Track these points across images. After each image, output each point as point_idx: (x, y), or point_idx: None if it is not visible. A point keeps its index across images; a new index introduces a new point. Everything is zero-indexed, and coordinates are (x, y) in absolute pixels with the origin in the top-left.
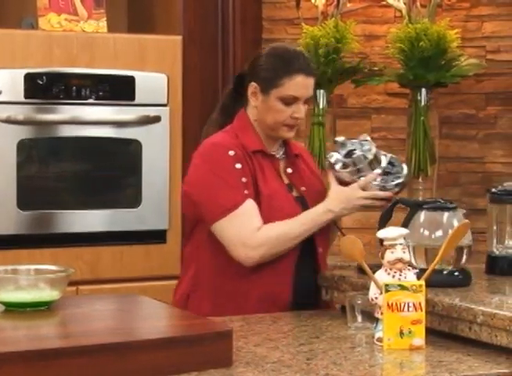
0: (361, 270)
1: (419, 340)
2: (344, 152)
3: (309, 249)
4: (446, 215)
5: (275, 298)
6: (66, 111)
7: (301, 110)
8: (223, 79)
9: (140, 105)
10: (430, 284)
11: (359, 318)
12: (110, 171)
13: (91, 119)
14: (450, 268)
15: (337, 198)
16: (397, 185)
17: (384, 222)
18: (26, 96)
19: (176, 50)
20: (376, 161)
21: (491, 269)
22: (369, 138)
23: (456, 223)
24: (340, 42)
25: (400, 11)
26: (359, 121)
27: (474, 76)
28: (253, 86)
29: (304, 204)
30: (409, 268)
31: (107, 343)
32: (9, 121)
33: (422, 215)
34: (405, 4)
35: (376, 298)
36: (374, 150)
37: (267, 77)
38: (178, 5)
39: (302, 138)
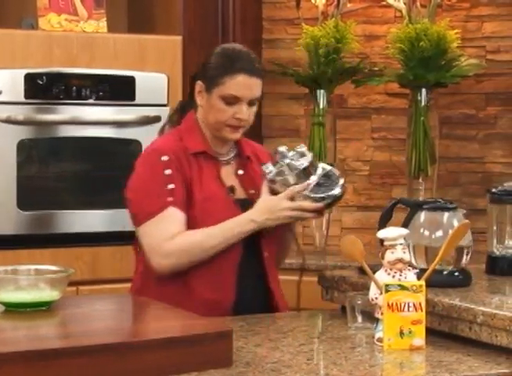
0: (361, 270)
1: (419, 340)
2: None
3: (254, 253)
4: (446, 215)
5: (218, 303)
6: (66, 111)
7: (242, 111)
8: None
9: (140, 105)
10: (430, 284)
11: (359, 318)
12: (110, 171)
13: (91, 119)
14: (450, 268)
15: (262, 208)
16: (324, 197)
17: (384, 222)
18: (26, 96)
19: (176, 50)
20: (311, 172)
21: (491, 269)
22: (305, 148)
23: (456, 223)
24: (341, 42)
25: (400, 11)
26: (359, 121)
27: (474, 76)
28: (199, 85)
29: (247, 207)
30: (410, 268)
31: (107, 343)
32: (9, 121)
33: (422, 215)
34: (405, 4)
35: (376, 298)
36: (306, 162)
37: (211, 76)
38: (178, 5)
39: (302, 138)
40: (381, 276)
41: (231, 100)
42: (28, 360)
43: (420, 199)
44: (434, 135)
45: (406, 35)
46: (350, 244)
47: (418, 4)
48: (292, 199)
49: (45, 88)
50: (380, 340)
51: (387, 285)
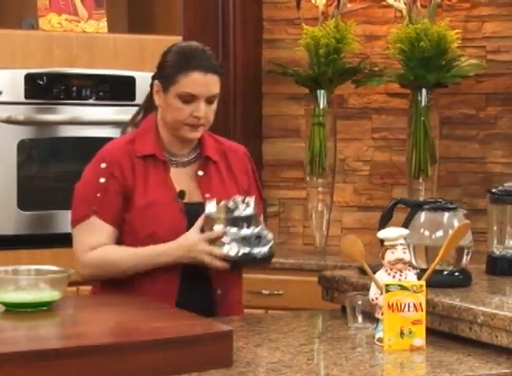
0: (361, 270)
1: (419, 340)
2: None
3: None
4: (447, 215)
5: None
6: (67, 111)
7: (200, 109)
8: (224, 80)
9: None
10: (430, 285)
11: (360, 318)
12: None
13: (91, 119)
14: (450, 268)
15: (180, 244)
16: (242, 254)
17: (384, 223)
18: (26, 97)
19: None
20: (243, 225)
21: (491, 270)
22: (253, 202)
23: (456, 223)
24: (341, 42)
25: (400, 11)
26: (360, 121)
27: (474, 76)
28: (156, 85)
29: (197, 212)
30: (410, 268)
31: (108, 343)
32: (9, 121)
33: (422, 216)
34: (405, 4)
35: (376, 298)
36: (244, 213)
37: (167, 75)
38: (178, 5)
39: (302, 138)
40: (381, 277)
41: (187, 98)
42: (28, 360)
43: (421, 199)
44: (435, 135)
45: (406, 35)
46: (350, 244)
47: (418, 4)
48: (212, 243)
49: (45, 89)
50: (380, 340)
51: (387, 285)
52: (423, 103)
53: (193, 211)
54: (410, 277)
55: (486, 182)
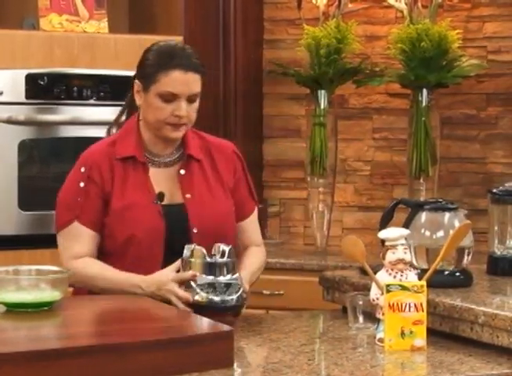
0: (362, 271)
1: (420, 340)
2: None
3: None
4: (447, 215)
5: None
6: (67, 112)
7: (181, 108)
8: (224, 80)
9: None
10: (431, 285)
11: (361, 318)
12: None
13: (92, 119)
14: (451, 268)
15: (153, 280)
16: (207, 301)
17: (385, 223)
18: (27, 97)
19: None
20: (215, 272)
21: (492, 270)
22: (228, 250)
23: (457, 224)
24: (342, 43)
25: (401, 11)
26: (360, 121)
27: (475, 76)
28: (136, 84)
29: (177, 213)
30: (411, 268)
31: (108, 344)
32: (10, 121)
33: (423, 216)
34: (406, 4)
35: (377, 298)
36: (218, 260)
37: (147, 74)
38: (179, 5)
39: (303, 138)
40: (382, 277)
41: (168, 97)
42: (29, 360)
43: (421, 199)
44: (435, 135)
45: (407, 35)
46: (351, 244)
47: (419, 4)
48: (182, 284)
49: (45, 89)
50: (381, 340)
51: (388, 285)
52: (423, 103)
53: (173, 213)
54: (411, 277)
55: (487, 183)
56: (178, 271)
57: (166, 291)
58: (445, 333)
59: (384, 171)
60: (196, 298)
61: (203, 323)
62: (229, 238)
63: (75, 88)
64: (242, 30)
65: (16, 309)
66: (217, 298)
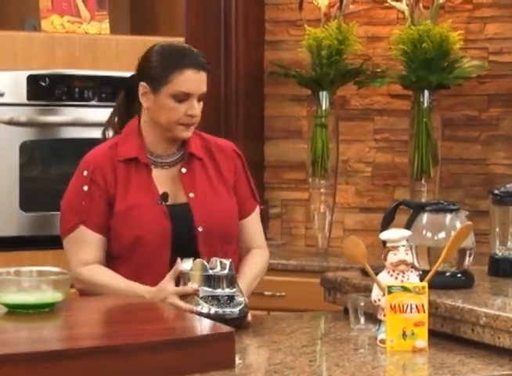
0: (364, 272)
1: (421, 342)
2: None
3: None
4: (449, 216)
5: None
6: (69, 113)
7: (194, 107)
8: (225, 81)
9: None
10: (432, 286)
11: (362, 320)
12: None
13: (93, 121)
14: (453, 270)
15: (158, 292)
16: (212, 314)
17: (386, 224)
18: (28, 98)
19: None
20: (216, 285)
21: (493, 271)
22: (229, 263)
23: (458, 225)
24: (343, 44)
25: (403, 12)
26: (362, 122)
27: (476, 77)
28: (142, 86)
29: (182, 213)
30: (412, 270)
31: (110, 345)
32: (11, 122)
33: (425, 217)
34: (407, 5)
35: (378, 299)
36: (218, 273)
37: (156, 75)
38: (180, 6)
39: (304, 139)
40: (384, 278)
41: (181, 97)
42: (30, 362)
43: (423, 200)
44: (437, 136)
45: (409, 37)
46: (352, 245)
47: (420, 5)
48: (184, 298)
49: (47, 90)
50: (382, 341)
51: (389, 287)
52: (425, 105)
53: (178, 213)
54: (412, 279)
55: (488, 184)
56: (177, 281)
57: (169, 305)
58: (447, 334)
59: (385, 172)
60: (199, 310)
61: (205, 325)
62: (234, 237)
63: (77, 90)
64: (243, 30)
65: (18, 311)
66: (220, 311)
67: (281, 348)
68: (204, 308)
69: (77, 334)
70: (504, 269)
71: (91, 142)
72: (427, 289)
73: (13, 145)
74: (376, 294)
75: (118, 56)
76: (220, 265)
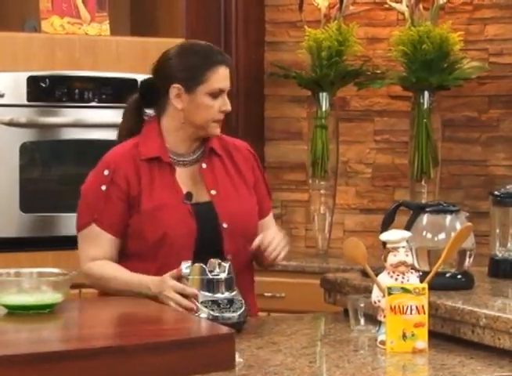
0: (364, 273)
1: (422, 343)
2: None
3: (217, 256)
4: (449, 217)
5: None
6: (69, 114)
7: (227, 103)
8: None
9: None
10: (432, 287)
11: (362, 321)
12: None
13: (93, 122)
14: (453, 271)
15: (159, 282)
16: (212, 318)
17: (386, 225)
18: (28, 99)
19: None
20: (215, 289)
21: (494, 272)
22: (227, 266)
23: (458, 226)
24: (343, 45)
25: (403, 14)
26: (362, 123)
27: (476, 79)
28: (176, 88)
29: (206, 211)
30: (412, 271)
31: (110, 346)
32: (11, 123)
33: (425, 218)
34: (407, 7)
35: (378, 300)
36: (217, 276)
37: (189, 76)
38: (180, 7)
39: (305, 140)
40: (384, 279)
41: (217, 94)
42: (30, 363)
43: (423, 202)
44: (437, 137)
45: (409, 38)
46: (352, 246)
47: (421, 6)
48: (180, 293)
49: (47, 91)
50: (382, 343)
51: (389, 288)
52: (425, 106)
53: (202, 211)
54: (412, 280)
55: (488, 185)
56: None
57: (165, 297)
58: (447, 335)
59: (385, 173)
60: (200, 314)
61: (205, 326)
62: (255, 236)
63: (77, 91)
64: (243, 31)
65: (18, 312)
66: (220, 315)
67: (281, 349)
68: (204, 313)
69: (78, 335)
70: (504, 271)
71: (92, 143)
72: (427, 290)
73: (13, 146)
74: (376, 295)
75: (118, 57)
76: (219, 268)
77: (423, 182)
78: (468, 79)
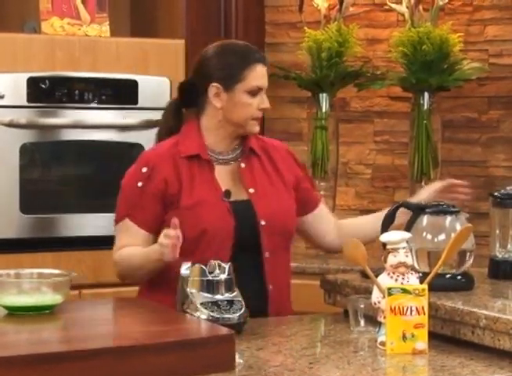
0: (364, 274)
1: (422, 344)
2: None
3: (253, 253)
4: (449, 218)
5: None
6: (69, 115)
7: (265, 101)
8: None
9: (143, 109)
10: (432, 288)
11: (362, 322)
12: (113, 175)
13: (93, 123)
14: (453, 272)
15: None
16: (211, 319)
17: (386, 226)
18: (28, 100)
19: (179, 54)
20: (214, 290)
21: (493, 273)
22: (227, 267)
23: (458, 227)
24: (343, 46)
25: (402, 15)
26: (362, 124)
27: (476, 80)
28: (215, 87)
29: (244, 209)
30: (412, 272)
31: (109, 347)
32: (11, 124)
33: (425, 219)
34: (407, 8)
35: (378, 301)
36: (216, 278)
37: (227, 75)
38: (180, 8)
39: (305, 141)
40: (384, 280)
41: (255, 92)
42: (30, 364)
43: (423, 202)
44: (437, 138)
45: (409, 39)
46: (352, 247)
47: (420, 8)
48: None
49: (47, 92)
50: (382, 344)
51: (389, 289)
52: (425, 107)
53: (240, 210)
54: (412, 281)
55: (488, 186)
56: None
57: (160, 245)
58: (447, 336)
59: (385, 174)
60: (199, 315)
61: (205, 327)
62: (292, 234)
63: (77, 92)
64: (243, 32)
65: (18, 313)
66: (220, 316)
67: (281, 350)
68: (204, 314)
69: (78, 336)
70: (504, 271)
71: (92, 144)
72: (427, 291)
73: (13, 147)
74: (376, 296)
75: (118, 58)
76: (219, 269)
77: (423, 183)
78: (468, 80)
